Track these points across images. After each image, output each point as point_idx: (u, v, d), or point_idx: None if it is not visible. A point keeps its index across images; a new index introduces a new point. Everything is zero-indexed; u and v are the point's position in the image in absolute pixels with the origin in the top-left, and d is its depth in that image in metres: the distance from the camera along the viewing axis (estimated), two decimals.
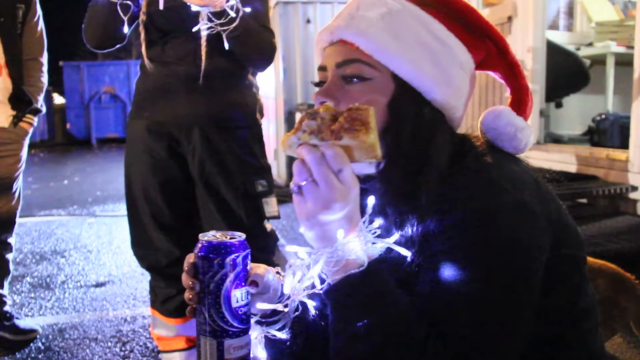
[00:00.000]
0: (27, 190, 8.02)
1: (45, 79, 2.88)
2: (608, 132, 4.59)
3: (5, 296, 2.84)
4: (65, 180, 9.47)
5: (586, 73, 4.95)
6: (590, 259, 1.67)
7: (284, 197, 5.06)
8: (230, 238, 0.89)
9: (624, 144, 3.74)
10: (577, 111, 5.04)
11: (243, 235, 0.91)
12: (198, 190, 2.20)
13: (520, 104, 1.02)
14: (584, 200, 3.65)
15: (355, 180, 0.82)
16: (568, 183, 3.60)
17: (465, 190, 0.86)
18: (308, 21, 7.53)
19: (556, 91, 4.73)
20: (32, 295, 3.59)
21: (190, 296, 0.88)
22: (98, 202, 7.14)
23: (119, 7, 1.96)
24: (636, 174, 3.45)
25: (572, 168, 3.99)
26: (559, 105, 5.04)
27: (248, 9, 1.98)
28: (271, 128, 8.64)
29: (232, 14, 1.93)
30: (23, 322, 2.90)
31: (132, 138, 2.23)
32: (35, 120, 2.84)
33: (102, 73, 17.63)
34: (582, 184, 3.60)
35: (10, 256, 2.85)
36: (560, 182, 3.64)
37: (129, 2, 1.97)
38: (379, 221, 0.86)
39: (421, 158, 0.91)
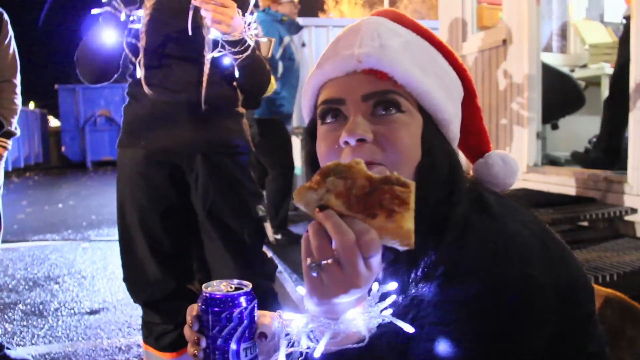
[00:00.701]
0: (20, 214, 7.97)
1: (19, 100, 2.79)
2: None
3: None
4: (60, 204, 9.41)
5: (581, 95, 4.97)
6: (596, 287, 1.63)
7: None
8: (236, 288, 0.86)
9: (620, 166, 3.73)
10: (573, 133, 5.05)
11: (249, 285, 0.87)
12: (200, 217, 2.16)
13: (486, 144, 1.03)
14: (584, 224, 3.63)
15: (380, 264, 0.75)
16: (567, 206, 3.58)
17: (467, 263, 0.81)
18: (303, 45, 7.57)
19: (552, 113, 4.74)
20: (24, 323, 3.52)
21: (196, 352, 0.85)
22: (93, 226, 7.08)
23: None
24: (634, 196, 3.44)
25: (570, 190, 3.98)
26: (555, 127, 5.05)
27: (264, 39, 2.00)
28: None
29: (250, 42, 1.95)
30: (14, 353, 2.85)
31: (126, 167, 2.16)
32: (9, 143, 2.74)
33: (98, 96, 17.64)
34: (580, 207, 3.58)
35: None
36: (559, 206, 3.63)
37: (118, 13, 1.95)
38: (389, 299, 0.81)
39: (450, 189, 0.88)
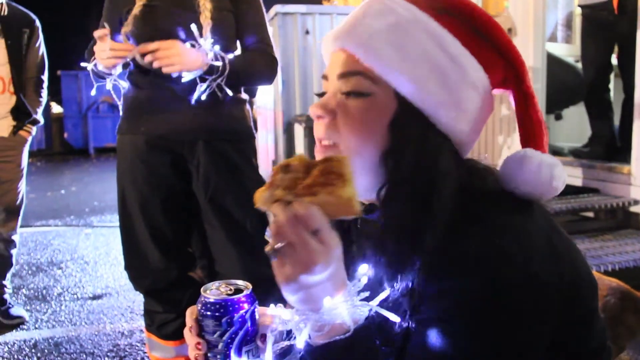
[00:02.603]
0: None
1: (45, 94, 3.34)
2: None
3: (5, 286, 3.26)
4: (63, 190, 9.42)
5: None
6: (600, 275, 1.64)
7: None
8: (236, 290, 0.85)
9: (624, 158, 3.72)
10: (577, 123, 5.03)
11: (249, 286, 0.87)
12: (202, 205, 2.15)
13: (534, 138, 0.91)
14: (588, 214, 3.63)
15: (335, 238, 0.75)
16: (570, 197, 3.58)
17: (469, 258, 0.78)
18: (307, 32, 7.53)
19: (556, 103, 4.72)
20: (28, 307, 3.54)
21: (197, 357, 0.84)
22: (95, 212, 7.09)
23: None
24: (638, 187, 3.43)
25: (574, 181, 3.97)
26: (558, 117, 5.03)
27: (230, 55, 2.01)
28: (270, 139, 8.62)
29: (218, 64, 1.97)
30: (14, 310, 3.30)
31: (126, 154, 2.15)
32: (33, 129, 3.27)
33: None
34: (584, 198, 3.58)
35: (14, 251, 3.26)
36: (563, 196, 3.62)
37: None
38: (364, 280, 0.81)
39: (426, 186, 0.82)
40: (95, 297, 3.76)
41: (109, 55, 1.87)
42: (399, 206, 0.83)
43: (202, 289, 0.87)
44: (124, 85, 2.10)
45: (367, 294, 0.81)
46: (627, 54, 3.69)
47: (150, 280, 2.17)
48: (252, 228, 2.17)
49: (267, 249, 0.74)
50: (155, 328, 2.21)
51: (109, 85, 2.03)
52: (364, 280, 0.82)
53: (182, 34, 1.96)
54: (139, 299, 3.60)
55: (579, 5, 4.00)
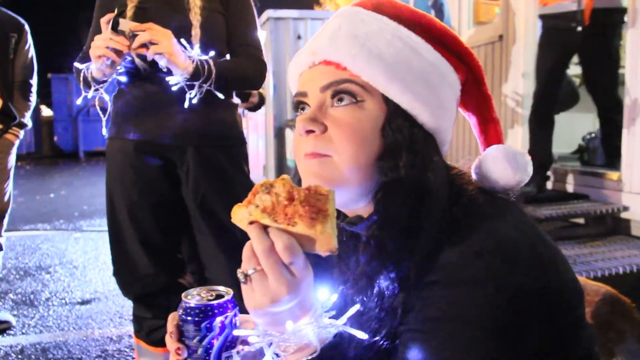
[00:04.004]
0: (12, 203, 7.90)
1: (34, 98, 3.32)
2: (598, 151, 4.60)
3: None
4: (52, 194, 9.36)
5: (576, 92, 4.96)
6: (590, 281, 1.64)
7: None
8: (217, 296, 0.85)
9: (614, 163, 3.74)
10: (567, 130, 5.05)
11: (230, 292, 0.86)
12: (192, 211, 2.13)
13: (497, 135, 0.97)
14: (579, 220, 3.64)
15: (308, 268, 0.76)
16: (561, 203, 3.60)
17: (452, 268, 0.78)
18: (299, 37, 7.55)
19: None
20: (15, 312, 3.51)
21: None
22: (84, 216, 7.05)
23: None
24: (628, 193, 3.45)
25: (564, 187, 3.99)
26: None
27: (212, 53, 1.98)
28: (260, 144, 8.61)
29: (206, 64, 1.94)
30: (1, 315, 3.31)
31: (116, 159, 2.12)
32: (21, 133, 3.25)
33: None
34: (574, 204, 3.59)
35: (1, 255, 3.23)
36: (554, 202, 3.64)
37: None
38: (352, 309, 0.81)
39: (420, 187, 0.83)
40: (83, 302, 3.73)
41: (107, 45, 1.82)
42: (396, 208, 0.83)
43: (183, 295, 0.87)
44: (107, 97, 2.07)
45: (334, 312, 0.81)
46: (595, 66, 3.66)
47: (139, 286, 2.15)
48: (242, 235, 2.14)
49: (238, 272, 0.75)
50: (144, 334, 2.18)
51: (90, 94, 2.00)
52: (333, 299, 0.82)
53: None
54: (127, 304, 3.57)
55: (540, 15, 3.89)
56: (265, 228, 0.75)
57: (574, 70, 5.15)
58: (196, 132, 2.06)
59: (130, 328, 3.17)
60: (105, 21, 1.85)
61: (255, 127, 8.83)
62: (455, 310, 0.77)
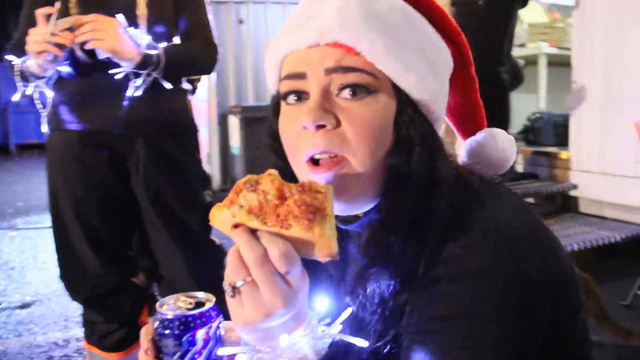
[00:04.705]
0: None
1: None
2: (543, 131, 4.70)
3: None
4: None
5: (520, 73, 5.05)
6: None
7: None
8: (196, 304, 0.75)
9: (559, 142, 3.82)
10: (513, 110, 5.14)
11: (211, 298, 0.77)
12: (143, 205, 2.00)
13: (482, 120, 0.93)
14: (529, 200, 3.69)
15: (305, 278, 0.68)
16: (511, 183, 3.64)
17: (456, 261, 0.73)
18: (240, 22, 7.37)
19: None
20: None
21: None
22: (20, 213, 6.68)
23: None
24: (576, 171, 3.53)
25: (514, 167, 4.05)
26: None
27: (163, 44, 1.88)
28: (203, 132, 8.39)
29: (154, 52, 1.84)
30: None
31: (57, 151, 1.97)
32: None
33: None
34: (525, 184, 3.65)
35: None
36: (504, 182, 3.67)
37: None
38: (343, 314, 0.74)
39: (429, 180, 0.77)
40: (23, 306, 3.50)
41: (48, 39, 1.69)
42: (404, 204, 0.76)
43: (157, 305, 0.76)
44: (50, 94, 1.93)
45: (328, 320, 0.74)
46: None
47: (88, 289, 2.01)
48: (198, 227, 2.05)
49: (225, 284, 0.66)
50: (97, 339, 2.05)
51: (30, 90, 1.87)
52: (328, 305, 0.75)
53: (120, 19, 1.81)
54: (73, 305, 3.37)
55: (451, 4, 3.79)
56: (253, 232, 0.65)
57: (518, 52, 5.24)
58: (145, 120, 1.94)
59: (77, 331, 3.00)
60: (43, 14, 1.69)
61: (198, 115, 8.62)
62: (464, 306, 0.71)
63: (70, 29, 1.72)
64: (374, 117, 0.75)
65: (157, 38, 1.90)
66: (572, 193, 3.53)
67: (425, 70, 0.78)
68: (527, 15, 5.55)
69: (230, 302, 0.67)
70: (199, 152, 2.17)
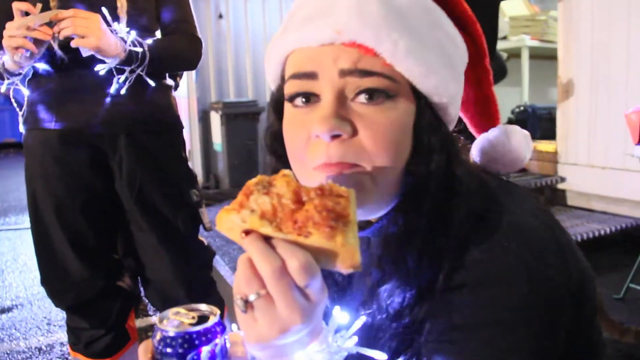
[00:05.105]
0: None
1: None
2: (527, 124, 4.71)
3: None
4: None
5: (504, 66, 5.05)
6: None
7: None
8: (200, 318, 0.68)
9: (544, 135, 3.82)
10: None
11: (216, 311, 0.69)
12: (128, 206, 1.93)
13: (496, 114, 0.89)
14: None
15: (324, 290, 0.62)
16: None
17: (479, 267, 0.68)
18: (220, 16, 7.26)
19: None
20: None
21: None
22: None
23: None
24: (564, 164, 3.53)
25: None
26: None
27: (149, 40, 1.82)
28: (184, 128, 8.29)
29: (138, 49, 1.78)
30: None
31: (36, 152, 1.88)
32: None
33: None
34: (513, 177, 3.64)
35: None
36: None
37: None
38: (357, 322, 0.69)
39: (449, 184, 0.73)
40: (4, 310, 3.40)
41: (25, 34, 1.60)
42: (423, 211, 0.71)
43: (157, 320, 0.70)
44: (26, 92, 1.85)
45: (343, 332, 0.69)
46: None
47: (73, 294, 1.93)
48: (185, 228, 1.99)
49: (236, 297, 0.60)
50: (82, 347, 1.97)
51: (4, 88, 1.79)
52: (343, 317, 0.70)
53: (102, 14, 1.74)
54: (56, 308, 3.28)
55: None
56: (266, 239, 0.59)
57: (501, 45, 5.24)
58: (128, 118, 1.87)
59: (61, 335, 2.92)
60: (21, 9, 1.62)
61: (179, 111, 8.51)
62: (487, 314, 0.67)
63: (49, 24, 1.63)
64: (394, 125, 0.69)
65: (138, 31, 1.83)
66: (560, 186, 3.53)
67: (446, 71, 0.73)
68: (509, 8, 5.55)
69: (241, 316, 0.61)
70: (185, 149, 2.11)
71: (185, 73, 4.36)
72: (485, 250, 0.68)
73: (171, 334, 0.67)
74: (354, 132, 0.69)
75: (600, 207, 3.47)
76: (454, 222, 0.70)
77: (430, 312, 0.70)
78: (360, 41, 0.68)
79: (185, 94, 7.28)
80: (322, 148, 0.69)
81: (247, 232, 0.59)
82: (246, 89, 7.07)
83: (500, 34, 5.54)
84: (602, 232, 3.17)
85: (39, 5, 1.64)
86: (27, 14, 1.63)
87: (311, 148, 0.71)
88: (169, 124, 2.03)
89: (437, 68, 0.71)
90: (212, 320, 0.69)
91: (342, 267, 0.59)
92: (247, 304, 0.59)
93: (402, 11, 0.71)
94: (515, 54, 5.20)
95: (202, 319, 0.70)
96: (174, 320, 0.70)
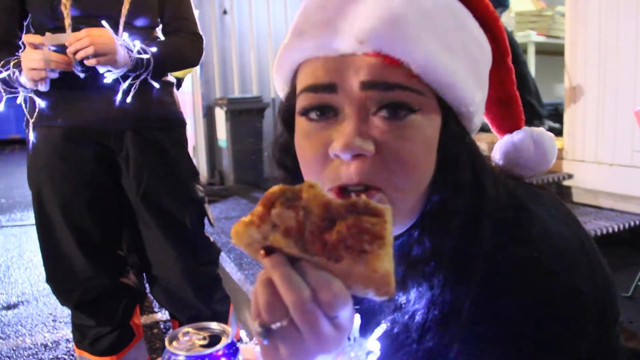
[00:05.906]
0: None
1: None
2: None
3: None
4: None
5: None
6: None
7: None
8: (211, 338, 0.67)
9: (550, 131, 3.79)
10: None
11: (228, 330, 0.68)
12: (134, 203, 1.93)
13: (520, 114, 0.84)
14: None
15: (353, 317, 0.57)
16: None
17: (509, 280, 0.65)
18: (225, 12, 7.25)
19: None
20: None
21: None
22: (3, 210, 6.53)
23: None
24: (570, 161, 3.50)
25: None
26: None
27: (153, 48, 1.83)
28: (189, 124, 8.25)
29: (144, 56, 1.80)
30: None
31: (40, 150, 1.87)
32: None
33: None
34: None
35: None
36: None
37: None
38: (377, 330, 0.67)
39: (476, 198, 0.68)
40: (9, 307, 3.40)
41: (42, 66, 1.66)
42: (449, 228, 0.67)
43: (167, 340, 0.68)
44: (41, 102, 1.85)
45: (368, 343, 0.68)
46: None
47: (78, 292, 1.93)
48: (192, 225, 1.99)
49: (255, 325, 0.54)
50: (88, 344, 1.97)
51: (20, 99, 1.82)
52: (379, 332, 0.68)
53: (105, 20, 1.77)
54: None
55: None
56: (289, 258, 0.53)
57: None
58: (133, 114, 1.88)
59: (67, 331, 2.92)
60: (32, 43, 1.66)
61: (183, 108, 8.48)
62: (515, 328, 0.64)
63: (63, 46, 1.68)
64: (419, 141, 0.65)
65: (140, 29, 1.85)
66: (567, 183, 3.50)
67: (472, 78, 0.69)
68: (515, 4, 5.52)
69: (261, 346, 0.56)
70: (187, 145, 2.11)
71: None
72: (514, 263, 0.65)
73: (181, 357, 0.65)
74: (376, 149, 0.64)
75: (608, 204, 3.44)
76: (483, 239, 0.66)
77: (456, 334, 0.66)
78: (386, 51, 0.63)
79: (189, 90, 7.27)
80: (342, 167, 0.64)
81: (267, 251, 0.53)
82: (251, 85, 7.05)
83: (507, 29, 5.53)
84: (610, 230, 3.14)
85: (41, 38, 1.68)
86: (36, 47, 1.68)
87: (329, 168, 0.66)
88: (172, 120, 2.03)
89: (464, 76, 0.67)
90: (224, 341, 0.66)
91: (376, 294, 0.52)
92: (269, 333, 0.53)
93: (430, 15, 0.66)
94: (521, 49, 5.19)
95: (213, 338, 0.68)
96: (184, 342, 0.67)
